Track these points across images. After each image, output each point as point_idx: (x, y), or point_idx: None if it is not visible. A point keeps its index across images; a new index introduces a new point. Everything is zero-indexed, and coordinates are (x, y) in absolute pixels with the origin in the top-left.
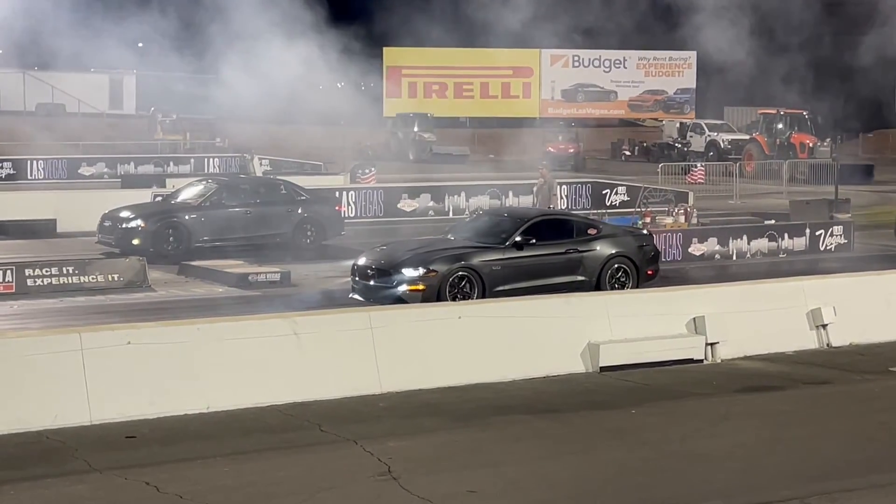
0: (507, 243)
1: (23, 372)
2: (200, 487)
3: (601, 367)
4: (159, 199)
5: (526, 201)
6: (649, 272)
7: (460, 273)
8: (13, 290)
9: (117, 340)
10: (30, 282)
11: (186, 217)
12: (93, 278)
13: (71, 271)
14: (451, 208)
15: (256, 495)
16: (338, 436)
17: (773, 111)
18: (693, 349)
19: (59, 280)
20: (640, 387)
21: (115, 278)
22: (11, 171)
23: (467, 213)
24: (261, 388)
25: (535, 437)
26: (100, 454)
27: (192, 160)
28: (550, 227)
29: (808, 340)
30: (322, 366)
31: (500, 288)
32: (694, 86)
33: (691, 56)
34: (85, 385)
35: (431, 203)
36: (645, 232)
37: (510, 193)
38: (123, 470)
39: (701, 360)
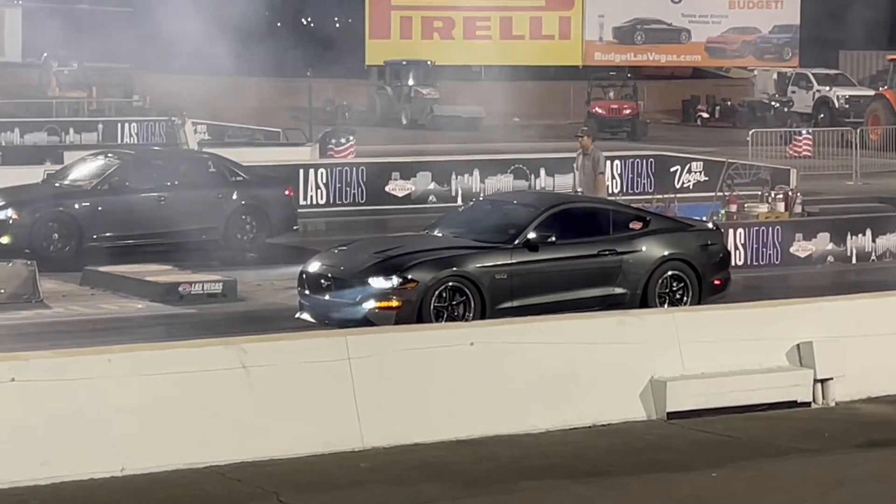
0: (517, 242)
1: None
2: None
3: (669, 413)
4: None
5: (564, 183)
6: (716, 282)
7: (450, 284)
8: None
9: None
10: None
11: (76, 206)
12: None
13: None
14: (459, 192)
15: None
16: None
17: None
18: (797, 388)
19: None
20: (723, 440)
21: None
22: None
23: (482, 198)
24: (196, 442)
25: None
26: None
27: (101, 126)
28: (577, 220)
29: None
30: (281, 411)
31: (506, 305)
32: (798, 22)
33: None
34: None
35: (432, 185)
36: (710, 226)
37: (542, 172)
38: None
39: (808, 403)
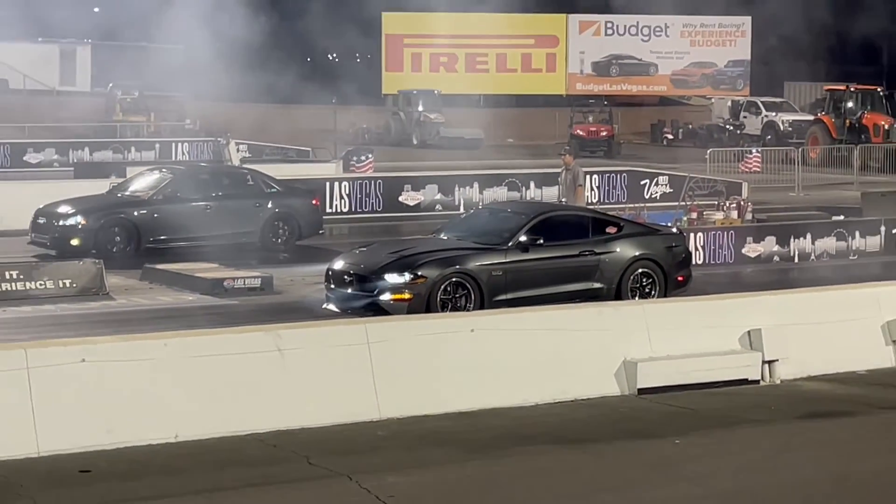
0: (510, 244)
1: None
2: None
3: (639, 390)
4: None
5: (551, 194)
6: (679, 278)
7: (454, 279)
8: None
9: (70, 358)
10: None
11: (135, 213)
12: (41, 284)
13: (15, 276)
14: (461, 202)
15: None
16: (329, 470)
17: (843, 87)
18: (747, 368)
19: (0, 286)
20: (685, 412)
21: (67, 284)
22: None
23: (481, 207)
24: (239, 413)
25: (561, 472)
26: (49, 491)
27: (158, 145)
28: (561, 225)
29: (883, 358)
30: (311, 387)
31: (502, 297)
32: (749, 57)
33: (745, 22)
34: (31, 410)
35: (439, 196)
36: (675, 230)
37: (532, 184)
38: None
39: (757, 381)
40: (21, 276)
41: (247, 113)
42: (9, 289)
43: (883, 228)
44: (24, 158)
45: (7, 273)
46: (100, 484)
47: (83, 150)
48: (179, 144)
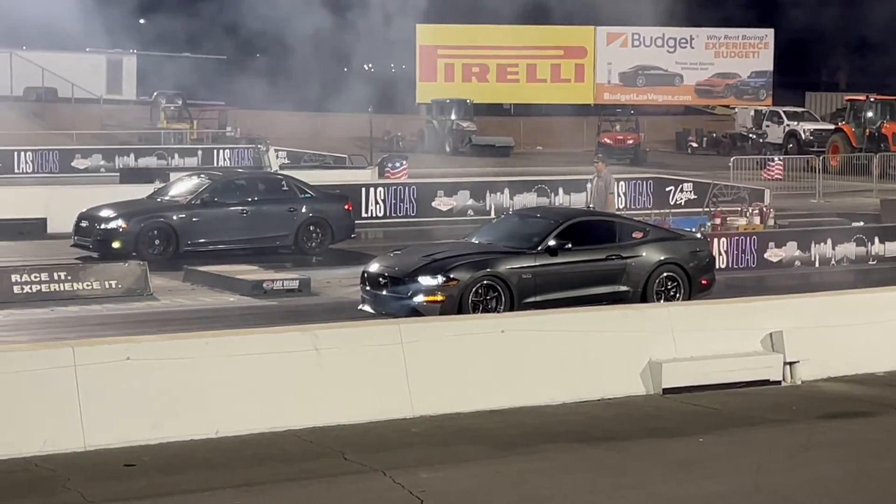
0: (540, 248)
1: (8, 390)
2: None
3: (664, 389)
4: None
5: (579, 200)
6: (703, 282)
7: (485, 282)
8: None
9: (115, 356)
10: (16, 289)
11: (174, 217)
12: (87, 285)
13: (63, 277)
14: (492, 207)
15: None
16: (363, 465)
17: (863, 97)
18: (769, 369)
19: (49, 287)
20: (709, 412)
21: (113, 285)
22: None
23: (511, 212)
24: (277, 410)
25: (588, 469)
26: (95, 484)
27: (200, 152)
28: (589, 230)
29: None
30: (346, 385)
31: (531, 299)
32: (771, 68)
33: (768, 34)
34: (78, 406)
35: (470, 201)
36: (699, 236)
37: (560, 190)
38: (121, 502)
39: (778, 382)
40: (69, 278)
41: (286, 121)
42: (57, 289)
43: None
44: (72, 164)
45: (55, 274)
46: (143, 477)
47: (128, 157)
48: (221, 151)
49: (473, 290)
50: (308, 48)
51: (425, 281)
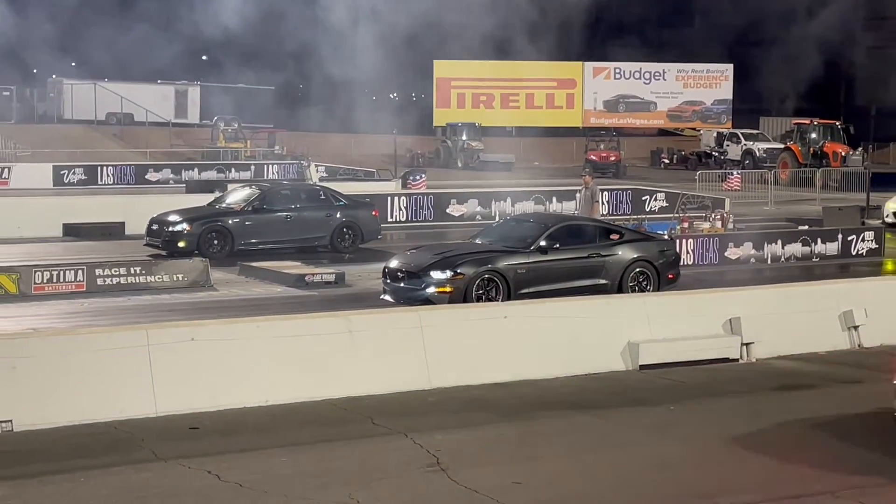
0: (532, 248)
1: (92, 365)
2: (259, 476)
3: (641, 366)
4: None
5: (569, 207)
6: (670, 276)
7: (486, 276)
8: (84, 289)
9: (181, 337)
10: (100, 281)
11: (230, 221)
12: (158, 278)
13: (138, 271)
14: (497, 213)
15: (312, 484)
16: (389, 429)
17: (807, 121)
18: (729, 349)
19: (127, 279)
20: (678, 384)
21: (180, 278)
22: (83, 177)
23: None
24: (317, 383)
25: (577, 432)
26: (164, 444)
27: (253, 166)
28: (574, 233)
29: (840, 341)
30: (375, 362)
31: (525, 291)
32: (731, 97)
33: (728, 69)
34: (151, 378)
35: (479, 208)
36: (667, 237)
37: (553, 199)
38: (187, 459)
39: (736, 360)
40: (143, 272)
41: (325, 141)
42: (133, 281)
43: (840, 236)
44: (146, 177)
45: (132, 269)
46: (205, 438)
47: (193, 171)
48: (270, 166)
49: (477, 282)
50: (344, 80)
51: (436, 275)
